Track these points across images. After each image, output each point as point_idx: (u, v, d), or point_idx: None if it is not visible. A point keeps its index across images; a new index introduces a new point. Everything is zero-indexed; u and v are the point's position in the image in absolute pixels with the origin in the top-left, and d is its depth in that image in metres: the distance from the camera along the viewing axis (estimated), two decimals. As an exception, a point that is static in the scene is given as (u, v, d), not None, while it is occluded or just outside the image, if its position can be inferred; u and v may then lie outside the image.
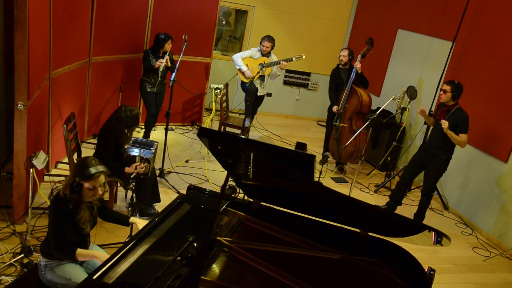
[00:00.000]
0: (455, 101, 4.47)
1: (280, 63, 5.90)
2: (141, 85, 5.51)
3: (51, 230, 2.54)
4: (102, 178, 2.55)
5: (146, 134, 5.71)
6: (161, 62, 5.29)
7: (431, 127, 4.76)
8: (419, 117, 6.22)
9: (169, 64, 5.40)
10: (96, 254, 2.57)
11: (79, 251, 2.54)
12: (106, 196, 3.92)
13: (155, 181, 4.11)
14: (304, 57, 6.01)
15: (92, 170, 2.50)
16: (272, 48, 5.98)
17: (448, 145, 4.54)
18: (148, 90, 5.47)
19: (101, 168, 2.55)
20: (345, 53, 5.82)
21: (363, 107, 5.74)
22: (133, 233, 2.99)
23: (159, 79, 5.46)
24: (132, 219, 2.87)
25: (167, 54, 5.33)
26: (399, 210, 5.16)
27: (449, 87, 4.40)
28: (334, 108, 5.91)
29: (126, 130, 3.85)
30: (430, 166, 4.67)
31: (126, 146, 3.93)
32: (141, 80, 5.51)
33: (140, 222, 2.79)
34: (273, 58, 6.06)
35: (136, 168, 3.71)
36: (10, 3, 3.49)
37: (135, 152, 3.80)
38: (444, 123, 4.37)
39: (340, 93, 5.91)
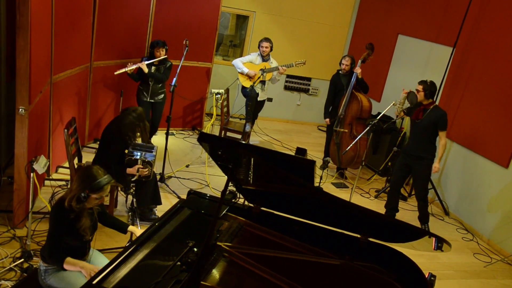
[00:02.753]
0: (430, 99, 4.58)
1: (279, 69, 5.93)
2: (137, 94, 5.47)
3: (48, 236, 2.57)
4: (109, 188, 2.57)
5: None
6: (130, 66, 5.01)
7: (409, 131, 4.86)
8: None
9: (146, 70, 5.09)
10: (82, 265, 2.54)
11: (68, 260, 2.53)
12: (107, 201, 3.93)
13: (156, 183, 4.11)
14: (305, 62, 6.03)
15: (102, 182, 2.49)
16: (271, 49, 6.01)
17: (431, 144, 4.64)
18: (143, 99, 5.38)
19: (108, 178, 2.54)
20: (347, 62, 5.77)
21: (363, 113, 5.75)
22: (133, 238, 2.99)
23: (151, 86, 5.31)
24: (130, 227, 2.87)
25: (148, 60, 5.12)
26: (401, 216, 5.15)
27: (421, 86, 4.56)
28: (327, 121, 6.03)
29: (137, 130, 3.85)
30: (418, 169, 4.71)
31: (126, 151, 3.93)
32: (137, 89, 5.48)
33: (139, 232, 2.78)
34: (273, 63, 6.08)
35: (138, 171, 3.70)
36: (13, 8, 3.51)
37: (137, 155, 3.80)
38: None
39: (340, 98, 5.91)
